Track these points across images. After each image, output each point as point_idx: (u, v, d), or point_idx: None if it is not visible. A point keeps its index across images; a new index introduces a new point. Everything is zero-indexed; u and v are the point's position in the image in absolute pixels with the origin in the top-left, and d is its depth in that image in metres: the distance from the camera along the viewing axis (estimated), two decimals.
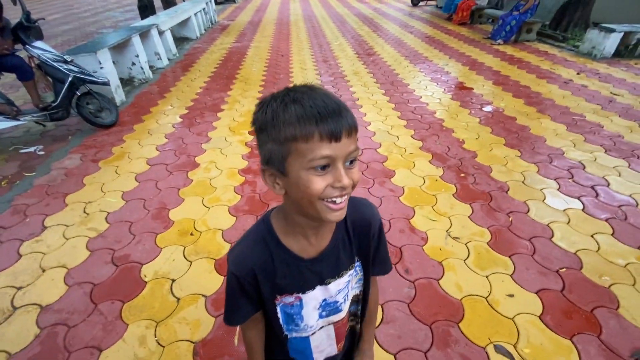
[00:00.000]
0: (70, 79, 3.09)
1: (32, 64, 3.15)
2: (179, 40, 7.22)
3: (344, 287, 0.68)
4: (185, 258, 1.90)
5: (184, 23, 7.41)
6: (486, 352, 1.41)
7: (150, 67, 5.27)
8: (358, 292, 0.74)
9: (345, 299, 0.69)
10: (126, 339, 1.48)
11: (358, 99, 4.19)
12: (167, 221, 2.19)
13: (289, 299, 0.64)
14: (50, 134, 3.45)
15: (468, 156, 2.89)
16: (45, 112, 3.14)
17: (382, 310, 1.59)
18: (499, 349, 1.42)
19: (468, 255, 1.89)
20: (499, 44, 6.52)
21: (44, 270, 1.84)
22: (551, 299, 1.63)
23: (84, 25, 9.37)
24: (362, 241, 0.68)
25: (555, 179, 2.54)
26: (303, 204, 0.53)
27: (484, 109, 3.84)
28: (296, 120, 0.47)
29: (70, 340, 1.48)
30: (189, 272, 1.81)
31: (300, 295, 0.64)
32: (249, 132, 3.33)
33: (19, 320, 1.58)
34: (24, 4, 3.15)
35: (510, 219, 2.16)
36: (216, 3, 11.77)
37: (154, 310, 1.60)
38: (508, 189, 2.45)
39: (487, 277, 1.76)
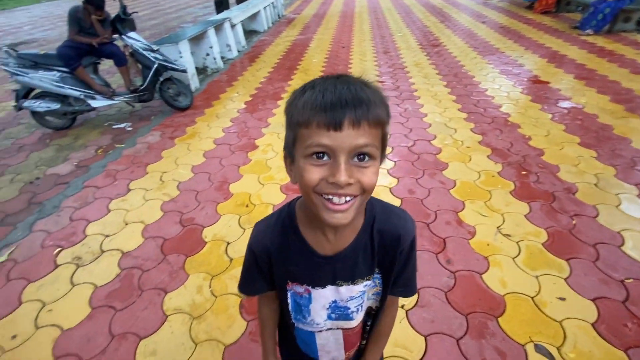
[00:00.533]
0: (156, 65, 3.53)
1: (126, 52, 3.65)
2: (248, 33, 7.67)
3: (358, 296, 0.63)
4: (240, 226, 2.12)
5: (254, 17, 7.85)
6: (525, 350, 1.36)
7: (222, 57, 5.72)
8: (373, 305, 0.70)
9: (358, 309, 0.66)
10: (187, 285, 1.72)
11: (416, 90, 4.09)
12: (227, 193, 2.43)
13: (299, 288, 0.63)
14: (137, 113, 3.98)
15: (533, 154, 2.68)
16: (134, 94, 3.63)
17: (418, 295, 1.61)
18: (539, 349, 1.36)
19: (518, 254, 1.80)
20: (587, 35, 5.79)
21: (126, 224, 2.19)
22: (610, 308, 1.49)
23: (168, 20, 10.41)
24: (387, 254, 0.62)
25: (636, 185, 2.26)
26: (303, 195, 0.49)
27: (560, 104, 3.49)
28: (302, 105, 0.46)
29: (144, 281, 1.77)
30: (242, 238, 2.01)
31: (309, 288, 0.62)
32: None
33: (105, 261, 1.92)
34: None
35: (574, 222, 1.99)
36: None
37: (211, 266, 1.83)
38: (576, 191, 2.24)
39: (536, 277, 1.67)
